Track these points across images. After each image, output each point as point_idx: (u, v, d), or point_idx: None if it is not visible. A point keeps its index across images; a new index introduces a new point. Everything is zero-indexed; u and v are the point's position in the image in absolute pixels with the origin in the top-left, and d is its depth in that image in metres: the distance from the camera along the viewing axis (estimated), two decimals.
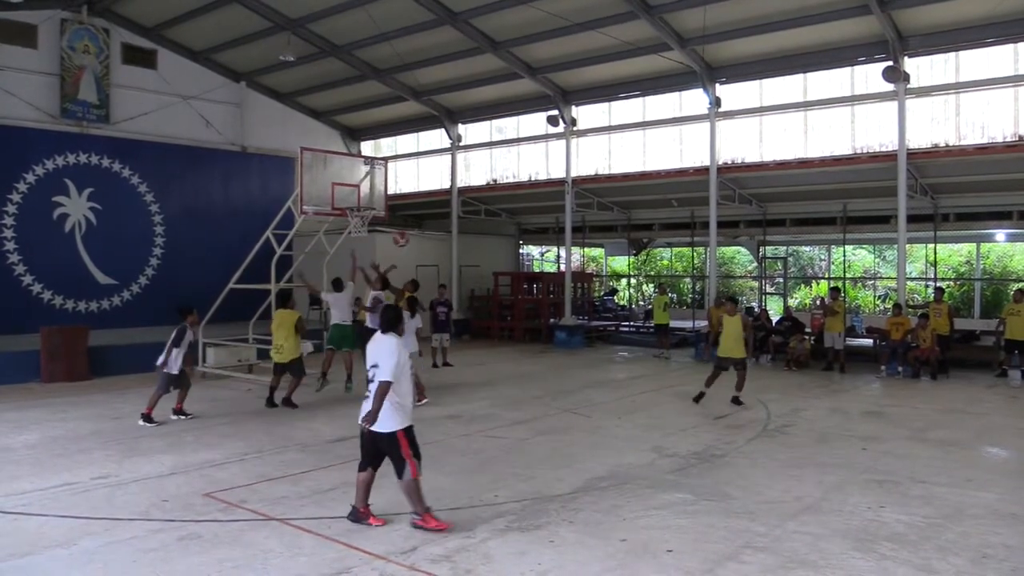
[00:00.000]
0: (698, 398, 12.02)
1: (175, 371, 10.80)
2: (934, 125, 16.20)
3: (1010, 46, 15.21)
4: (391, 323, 6.55)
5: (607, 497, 7.33)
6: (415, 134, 25.61)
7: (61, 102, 19.28)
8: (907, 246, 17.46)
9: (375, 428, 6.30)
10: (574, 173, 21.07)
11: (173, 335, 10.80)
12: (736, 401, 11.96)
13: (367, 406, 6.32)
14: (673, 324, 19.73)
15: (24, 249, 18.78)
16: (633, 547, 6.06)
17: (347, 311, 13.08)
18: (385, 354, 6.31)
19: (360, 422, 6.41)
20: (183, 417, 11.02)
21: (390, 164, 18.14)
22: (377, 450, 6.45)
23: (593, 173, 21.29)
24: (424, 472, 8.09)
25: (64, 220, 19.54)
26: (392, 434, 6.30)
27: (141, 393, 12.84)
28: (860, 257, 30.24)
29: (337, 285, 13.26)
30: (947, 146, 16.03)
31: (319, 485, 7.73)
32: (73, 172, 19.64)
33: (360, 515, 6.53)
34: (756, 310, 20.87)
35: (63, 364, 14.72)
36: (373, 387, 6.28)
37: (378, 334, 6.55)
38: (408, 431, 6.37)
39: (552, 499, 7.26)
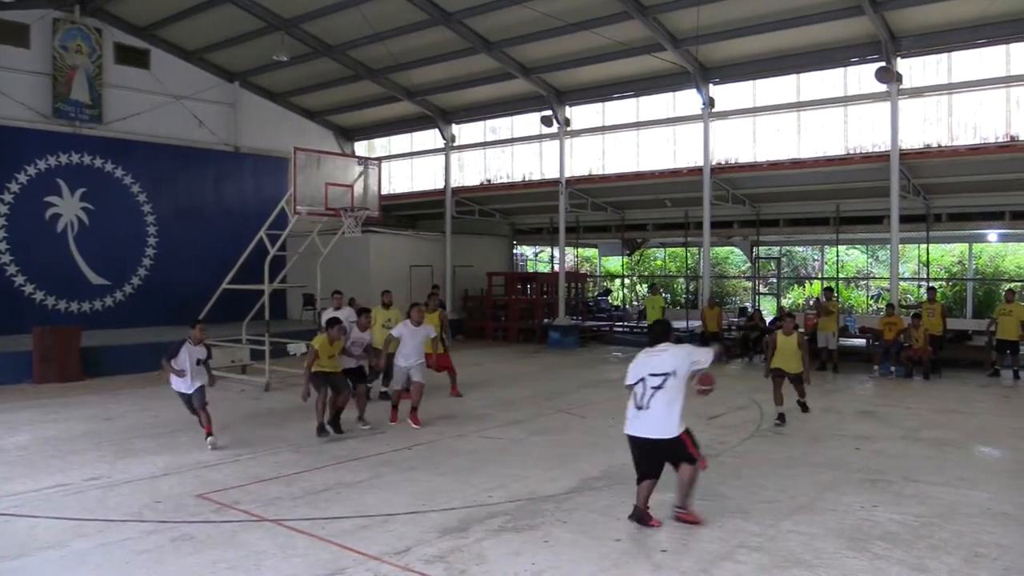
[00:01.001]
0: (780, 420, 10.80)
1: (181, 390, 9.62)
2: (927, 126, 16.27)
3: (1002, 47, 15.27)
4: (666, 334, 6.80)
5: (601, 497, 7.33)
6: (409, 134, 25.59)
7: (53, 102, 19.20)
8: (900, 246, 17.51)
9: (662, 436, 6.38)
10: (568, 173, 21.07)
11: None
12: (803, 407, 11.35)
13: (647, 417, 6.40)
14: None
15: (16, 249, 18.69)
16: (627, 547, 6.07)
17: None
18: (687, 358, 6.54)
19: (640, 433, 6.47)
20: (213, 446, 9.34)
21: (384, 164, 18.11)
22: (659, 458, 6.51)
23: (587, 173, 21.30)
24: (419, 472, 8.09)
25: (56, 220, 19.46)
26: (677, 438, 6.43)
27: (134, 394, 12.85)
28: (853, 257, 30.31)
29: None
30: (939, 147, 16.09)
31: (312, 486, 7.72)
32: (65, 172, 19.56)
33: (643, 515, 6.53)
34: (750, 310, 20.95)
35: (55, 365, 14.65)
36: (654, 396, 6.37)
37: (664, 345, 6.66)
38: (689, 431, 6.55)
39: (546, 499, 7.26)
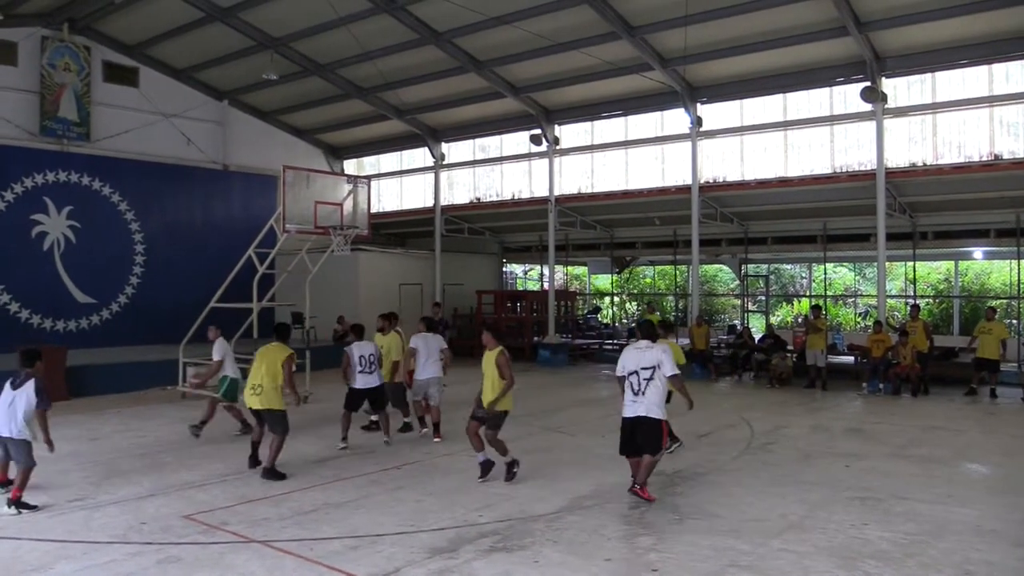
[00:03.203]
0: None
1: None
2: (912, 144, 16.44)
3: (984, 67, 15.46)
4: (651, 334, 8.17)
5: (591, 516, 7.30)
6: (398, 152, 25.65)
7: (41, 120, 19.15)
8: (887, 264, 17.64)
9: (649, 414, 7.64)
10: (557, 192, 21.14)
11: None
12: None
13: (640, 401, 7.66)
14: None
15: (1, 267, 18.55)
16: (618, 567, 6.04)
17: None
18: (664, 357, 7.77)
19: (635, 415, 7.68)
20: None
21: (373, 182, 18.10)
22: (639, 433, 7.74)
23: (576, 192, 21.38)
24: (408, 492, 8.04)
25: (43, 238, 19.34)
26: (659, 421, 7.71)
27: (120, 414, 12.73)
28: (841, 275, 30.50)
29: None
30: (924, 165, 16.25)
31: (301, 507, 7.65)
32: (52, 190, 19.47)
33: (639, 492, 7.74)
34: (739, 328, 21.00)
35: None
36: (648, 383, 7.66)
37: (646, 343, 7.91)
38: (668, 423, 8.04)
39: (536, 519, 7.23)
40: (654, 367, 7.67)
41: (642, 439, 7.69)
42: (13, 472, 7.82)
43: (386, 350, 11.23)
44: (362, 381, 10.54)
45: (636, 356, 7.81)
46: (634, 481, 7.75)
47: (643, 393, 7.66)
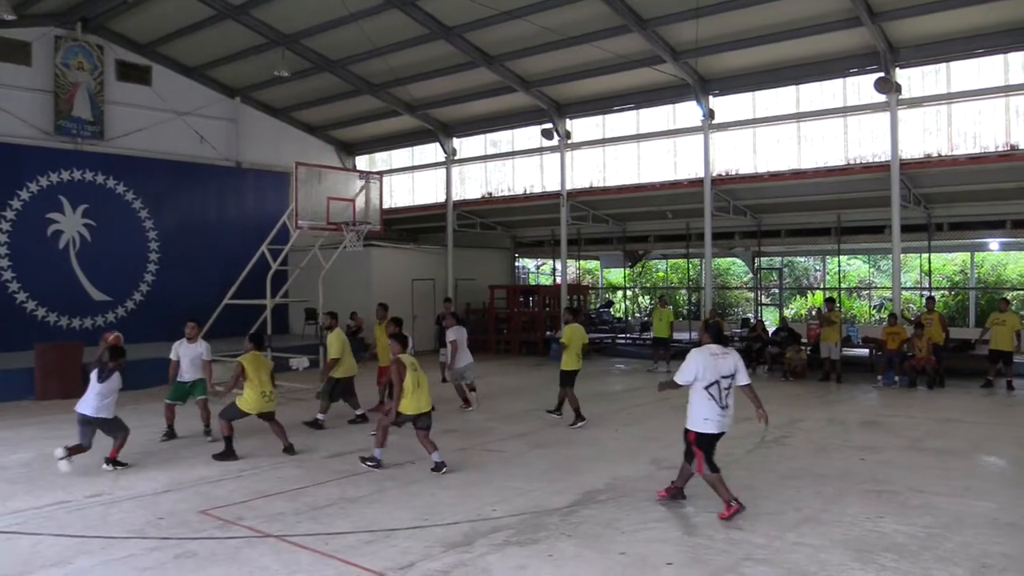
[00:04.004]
0: None
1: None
2: (926, 135, 16.30)
3: (1000, 56, 15.31)
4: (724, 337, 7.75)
5: (606, 510, 7.30)
6: (410, 148, 25.65)
7: (55, 119, 19.28)
8: (901, 256, 17.51)
9: (728, 429, 7.19)
10: (569, 186, 21.11)
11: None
12: None
13: (726, 415, 7.11)
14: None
15: (18, 266, 18.72)
16: (632, 560, 6.04)
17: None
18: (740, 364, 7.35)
19: (721, 430, 7.14)
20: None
21: (385, 178, 18.15)
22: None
23: (588, 186, 21.33)
24: (422, 486, 8.07)
25: (58, 237, 19.49)
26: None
27: (136, 410, 12.79)
28: (855, 267, 30.32)
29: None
30: (939, 156, 16.11)
31: (316, 501, 7.69)
32: (67, 189, 19.61)
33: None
34: (752, 321, 20.92)
35: (57, 381, 14.63)
36: (729, 393, 7.13)
37: (720, 348, 7.30)
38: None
39: (550, 513, 7.23)
40: (732, 375, 7.17)
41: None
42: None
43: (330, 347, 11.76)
44: None
45: (713, 363, 7.11)
46: (734, 499, 7.03)
47: (728, 406, 7.11)
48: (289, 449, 9.81)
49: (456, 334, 12.84)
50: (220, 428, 9.68)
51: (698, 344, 7.55)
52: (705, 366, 7.07)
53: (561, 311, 21.88)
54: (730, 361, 7.22)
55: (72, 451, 8.78)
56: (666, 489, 7.63)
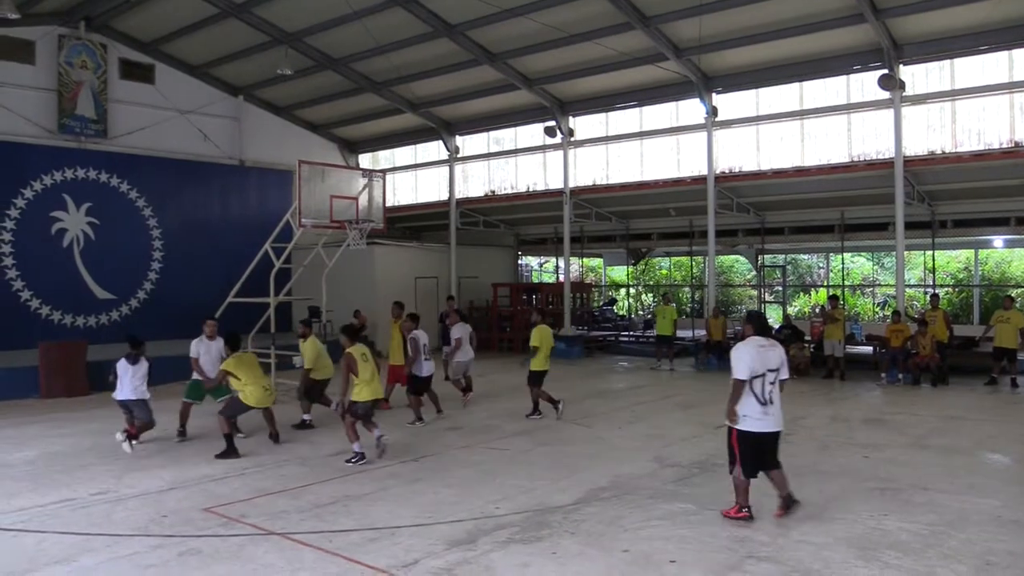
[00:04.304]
0: None
1: None
2: (930, 132, 16.26)
3: (1004, 53, 15.26)
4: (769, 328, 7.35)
5: (609, 508, 7.30)
6: (413, 146, 25.67)
7: (59, 117, 19.32)
8: (905, 253, 17.48)
9: (780, 428, 6.83)
10: (572, 183, 21.10)
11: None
12: None
13: (771, 412, 6.70)
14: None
15: (22, 264, 18.78)
16: (636, 558, 6.03)
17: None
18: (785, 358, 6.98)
19: (768, 430, 6.73)
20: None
21: (388, 176, 18.13)
22: (772, 449, 6.88)
23: (591, 183, 21.32)
24: (426, 484, 8.07)
25: (62, 235, 19.54)
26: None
27: None
28: (859, 264, 30.26)
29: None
30: (943, 153, 16.07)
31: (319, 499, 7.70)
32: (71, 187, 19.67)
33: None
34: None
35: (62, 379, 14.68)
36: (773, 389, 6.75)
37: (766, 340, 6.94)
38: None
39: (554, 510, 7.24)
40: (778, 368, 6.78)
41: (772, 453, 6.87)
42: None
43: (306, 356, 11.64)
44: (427, 368, 11.76)
45: (761, 356, 6.72)
46: (789, 495, 6.93)
47: (772, 402, 6.70)
48: (275, 437, 10.33)
49: (460, 331, 13.14)
50: (220, 426, 9.73)
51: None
52: (754, 358, 6.68)
53: (565, 309, 21.94)
54: (776, 353, 6.85)
55: (132, 434, 9.70)
56: (731, 508, 6.94)
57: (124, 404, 9.87)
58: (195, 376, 10.97)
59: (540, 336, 12.22)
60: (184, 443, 10.50)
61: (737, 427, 6.73)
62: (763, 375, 6.66)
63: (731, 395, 6.74)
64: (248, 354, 10.56)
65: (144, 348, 10.11)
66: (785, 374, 6.86)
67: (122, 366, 9.85)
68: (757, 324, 7.02)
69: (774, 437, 6.80)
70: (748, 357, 6.69)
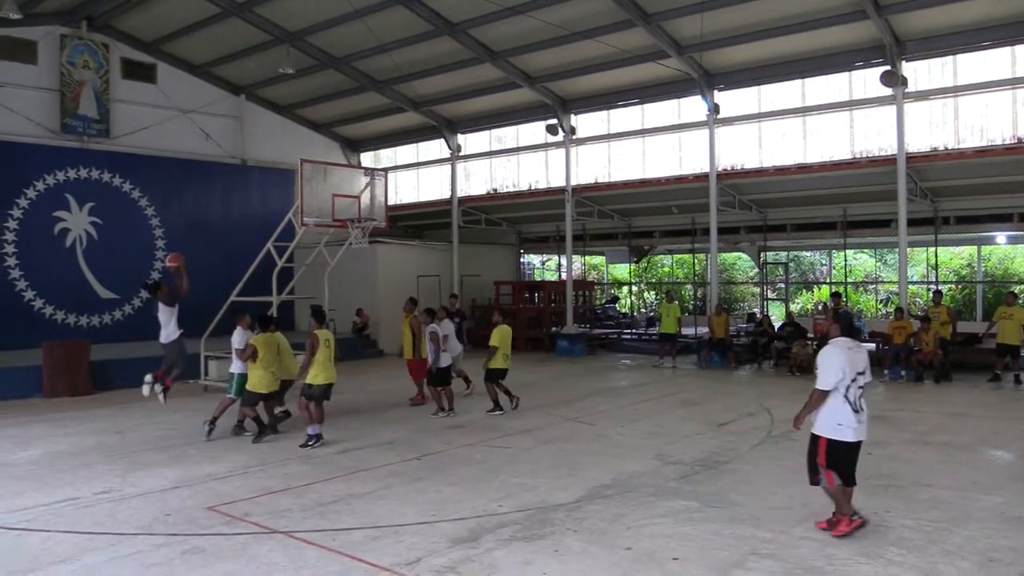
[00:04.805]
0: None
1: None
2: (933, 129, 16.24)
3: (1007, 49, 15.25)
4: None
5: (612, 505, 7.30)
6: (415, 145, 25.68)
7: (61, 117, 19.35)
8: (908, 250, 17.45)
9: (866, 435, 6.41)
10: (574, 181, 21.09)
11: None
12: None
13: (863, 420, 6.36)
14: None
15: (26, 264, 18.82)
16: (638, 556, 6.04)
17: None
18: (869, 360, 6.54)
19: (859, 438, 6.36)
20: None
21: (390, 175, 18.16)
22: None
23: (593, 181, 21.32)
24: (428, 482, 8.07)
25: (65, 235, 19.58)
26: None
27: (144, 407, 12.86)
28: (861, 261, 30.23)
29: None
30: (946, 149, 16.05)
31: (322, 497, 7.71)
32: (74, 187, 19.70)
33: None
34: (758, 316, 20.89)
35: (65, 379, 14.71)
36: (861, 396, 6.38)
37: (853, 342, 6.51)
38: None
39: (556, 508, 7.24)
40: (864, 371, 6.39)
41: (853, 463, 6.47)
42: None
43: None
44: (445, 360, 12.17)
45: (851, 359, 6.29)
46: (855, 512, 6.48)
47: (863, 409, 6.33)
48: (274, 418, 10.77)
49: (448, 328, 13.03)
50: (245, 414, 10.40)
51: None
52: (845, 362, 6.25)
53: (567, 307, 21.96)
54: (863, 356, 6.43)
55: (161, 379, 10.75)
56: (837, 524, 6.44)
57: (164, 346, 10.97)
58: (238, 369, 10.76)
59: (500, 336, 12.46)
60: (176, 439, 10.58)
61: (833, 437, 6.30)
62: (854, 379, 6.28)
63: (809, 403, 6.41)
64: (274, 336, 10.80)
65: (165, 289, 11.46)
66: (869, 376, 6.50)
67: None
68: (845, 324, 6.60)
69: (857, 447, 6.43)
70: (838, 363, 6.26)
